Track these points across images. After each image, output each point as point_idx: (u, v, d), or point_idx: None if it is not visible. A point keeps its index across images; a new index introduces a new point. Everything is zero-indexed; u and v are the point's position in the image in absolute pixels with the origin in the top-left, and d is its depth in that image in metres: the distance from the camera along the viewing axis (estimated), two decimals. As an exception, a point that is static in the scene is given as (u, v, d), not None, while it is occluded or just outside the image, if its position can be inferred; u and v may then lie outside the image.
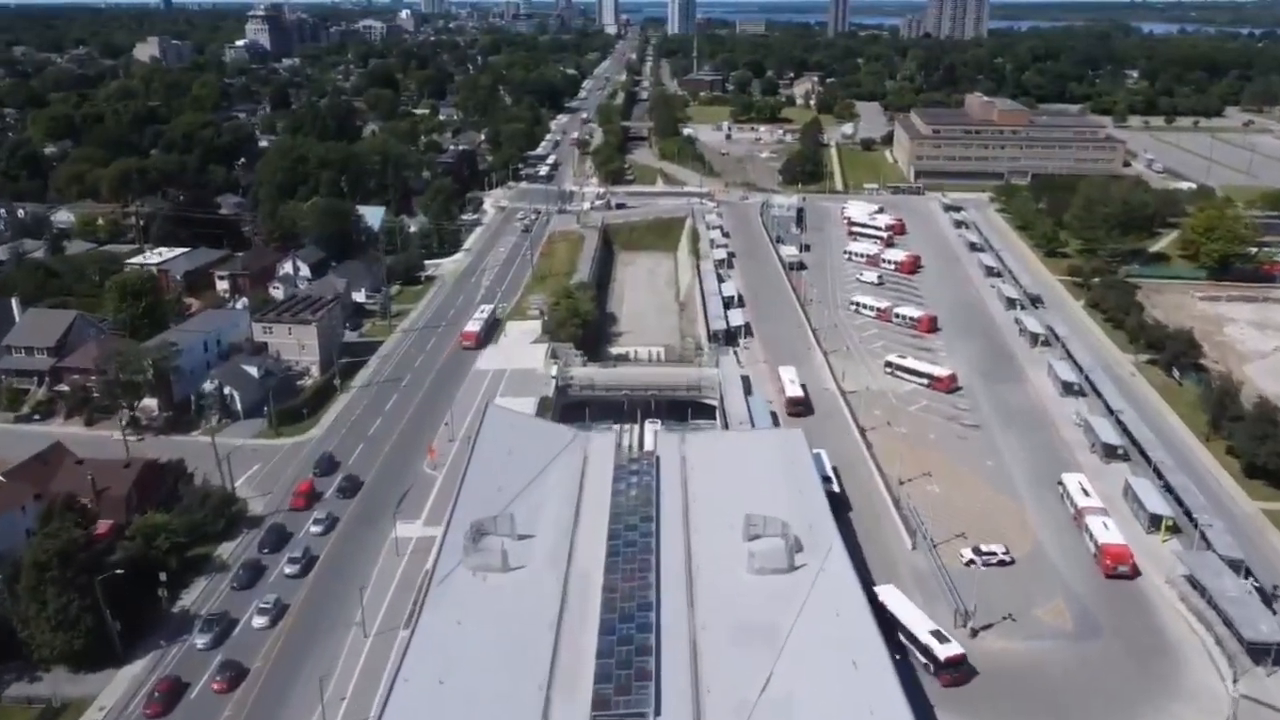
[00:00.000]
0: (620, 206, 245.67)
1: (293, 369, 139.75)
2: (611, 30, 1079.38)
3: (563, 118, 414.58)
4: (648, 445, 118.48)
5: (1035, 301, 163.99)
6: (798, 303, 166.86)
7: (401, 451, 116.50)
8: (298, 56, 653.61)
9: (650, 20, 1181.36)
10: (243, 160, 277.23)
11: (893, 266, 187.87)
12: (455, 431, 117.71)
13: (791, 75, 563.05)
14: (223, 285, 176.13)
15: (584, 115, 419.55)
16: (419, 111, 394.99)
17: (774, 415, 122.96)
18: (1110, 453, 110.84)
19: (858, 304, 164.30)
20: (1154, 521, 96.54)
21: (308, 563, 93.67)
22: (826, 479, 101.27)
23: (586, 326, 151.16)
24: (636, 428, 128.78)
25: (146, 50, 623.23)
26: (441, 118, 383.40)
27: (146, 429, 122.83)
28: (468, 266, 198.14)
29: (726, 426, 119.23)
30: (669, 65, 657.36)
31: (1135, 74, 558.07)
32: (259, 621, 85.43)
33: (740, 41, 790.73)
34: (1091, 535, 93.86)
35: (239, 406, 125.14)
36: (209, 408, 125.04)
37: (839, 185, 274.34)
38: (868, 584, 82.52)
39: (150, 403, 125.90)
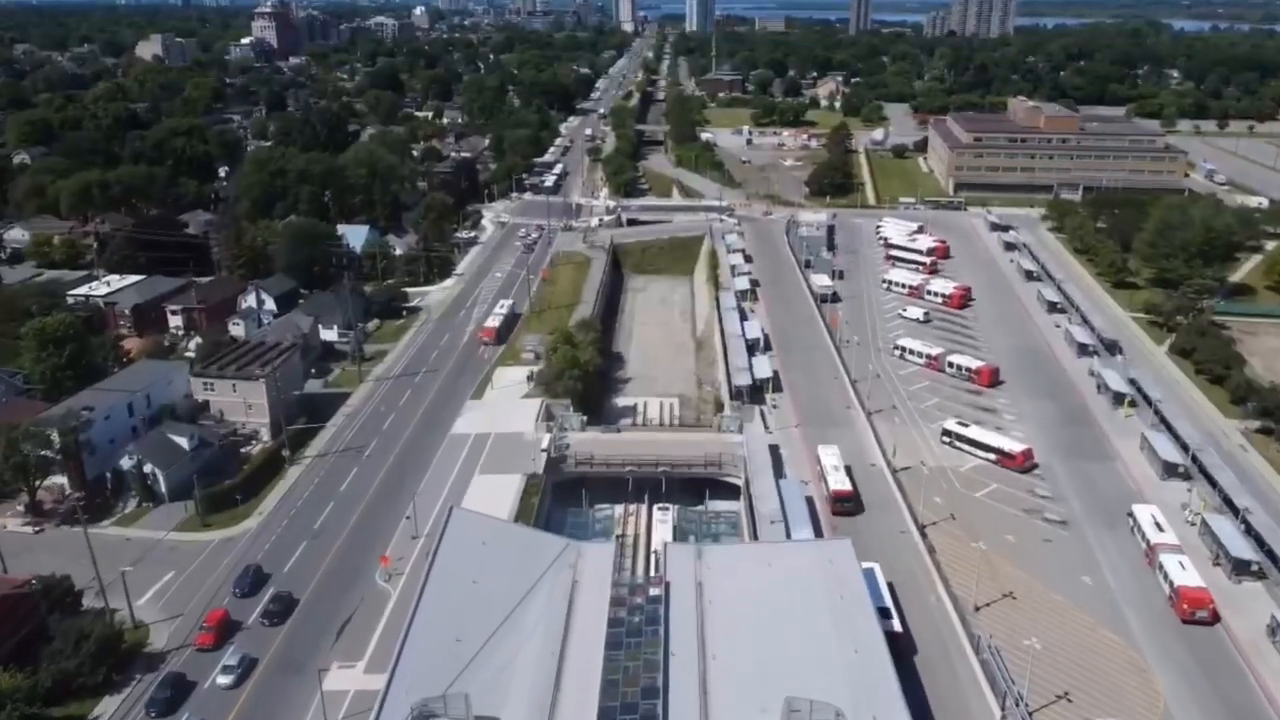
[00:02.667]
0: (632, 223, 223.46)
1: (238, 433, 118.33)
2: (629, 28, 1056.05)
3: (574, 120, 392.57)
4: (656, 538, 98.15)
5: (1112, 348, 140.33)
6: (833, 346, 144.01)
7: (352, 553, 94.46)
8: (305, 55, 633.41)
9: (668, 17, 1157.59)
10: (227, 170, 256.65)
11: (940, 300, 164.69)
12: (419, 525, 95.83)
13: (814, 75, 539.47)
14: (175, 321, 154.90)
15: (600, 111, 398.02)
16: (421, 114, 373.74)
17: (810, 503, 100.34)
18: (1241, 569, 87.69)
19: (903, 349, 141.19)
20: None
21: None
22: (884, 611, 78.69)
23: (588, 377, 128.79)
24: (644, 513, 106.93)
25: (149, 48, 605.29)
26: (445, 121, 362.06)
27: (50, 515, 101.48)
28: (458, 296, 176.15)
29: (753, 517, 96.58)
30: (687, 64, 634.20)
31: (1176, 74, 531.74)
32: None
33: (760, 39, 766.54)
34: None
35: (163, 487, 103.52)
36: (127, 489, 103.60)
37: (871, 198, 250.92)
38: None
39: (60, 481, 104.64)
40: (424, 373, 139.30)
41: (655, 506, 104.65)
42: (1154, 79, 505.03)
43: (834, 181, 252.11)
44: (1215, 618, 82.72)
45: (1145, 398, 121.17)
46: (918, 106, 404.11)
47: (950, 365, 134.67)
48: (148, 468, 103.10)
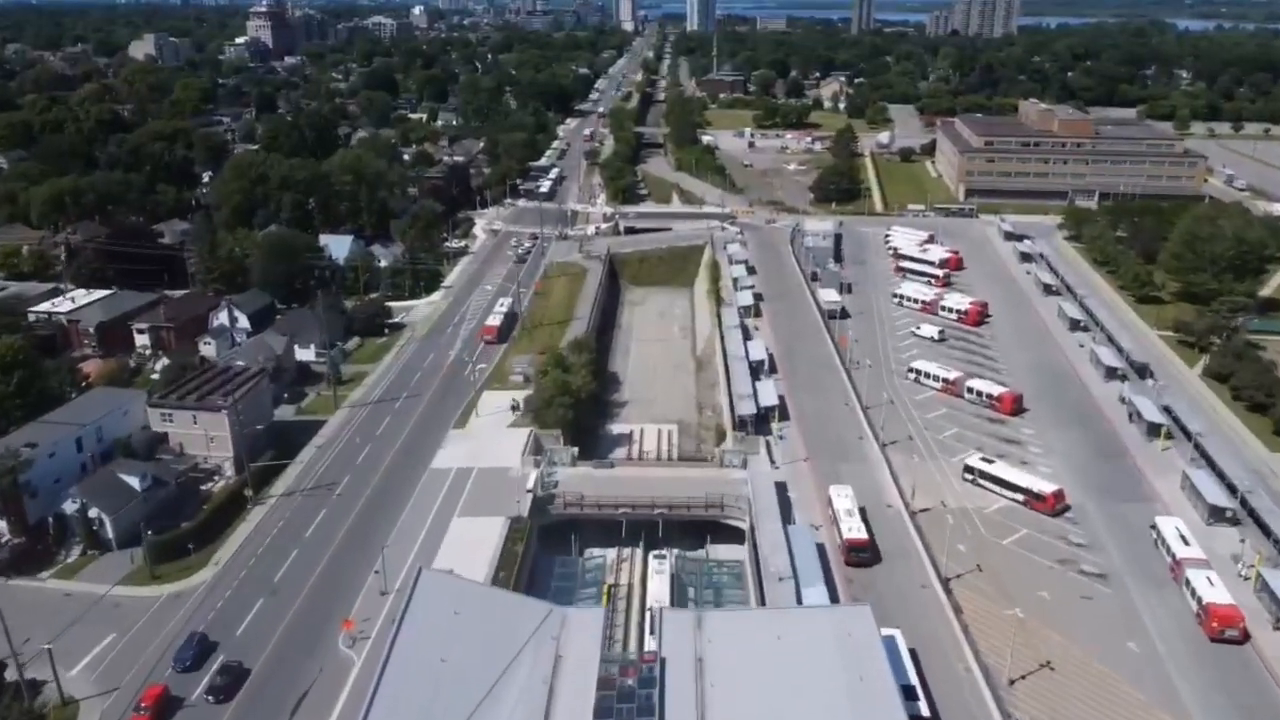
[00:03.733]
0: (630, 231, 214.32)
1: (199, 468, 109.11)
2: (629, 27, 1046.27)
3: (572, 122, 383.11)
4: (652, 589, 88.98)
5: (1142, 371, 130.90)
6: (843, 369, 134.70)
7: (313, 613, 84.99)
8: (302, 55, 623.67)
9: (669, 17, 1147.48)
10: (210, 175, 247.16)
11: (954, 316, 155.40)
12: (389, 580, 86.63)
13: (817, 75, 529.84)
14: (143, 340, 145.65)
15: (600, 111, 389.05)
16: (415, 116, 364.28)
17: (821, 552, 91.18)
18: (1304, 632, 78.81)
19: (918, 371, 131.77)
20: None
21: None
22: (908, 690, 69.43)
23: (580, 404, 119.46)
24: (639, 558, 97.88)
25: (142, 48, 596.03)
26: (440, 123, 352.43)
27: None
28: (445, 311, 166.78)
29: (759, 570, 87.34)
30: (687, 64, 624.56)
31: (1186, 75, 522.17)
32: None
33: (762, 39, 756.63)
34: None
35: (110, 533, 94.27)
36: (71, 535, 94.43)
37: (878, 205, 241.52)
38: None
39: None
40: (405, 398, 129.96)
41: (651, 555, 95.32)
42: (1163, 80, 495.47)
43: (840, 187, 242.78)
44: (1246, 636, 79.63)
45: (1183, 429, 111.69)
46: (923, 108, 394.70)
47: (969, 391, 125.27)
48: (93, 512, 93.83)
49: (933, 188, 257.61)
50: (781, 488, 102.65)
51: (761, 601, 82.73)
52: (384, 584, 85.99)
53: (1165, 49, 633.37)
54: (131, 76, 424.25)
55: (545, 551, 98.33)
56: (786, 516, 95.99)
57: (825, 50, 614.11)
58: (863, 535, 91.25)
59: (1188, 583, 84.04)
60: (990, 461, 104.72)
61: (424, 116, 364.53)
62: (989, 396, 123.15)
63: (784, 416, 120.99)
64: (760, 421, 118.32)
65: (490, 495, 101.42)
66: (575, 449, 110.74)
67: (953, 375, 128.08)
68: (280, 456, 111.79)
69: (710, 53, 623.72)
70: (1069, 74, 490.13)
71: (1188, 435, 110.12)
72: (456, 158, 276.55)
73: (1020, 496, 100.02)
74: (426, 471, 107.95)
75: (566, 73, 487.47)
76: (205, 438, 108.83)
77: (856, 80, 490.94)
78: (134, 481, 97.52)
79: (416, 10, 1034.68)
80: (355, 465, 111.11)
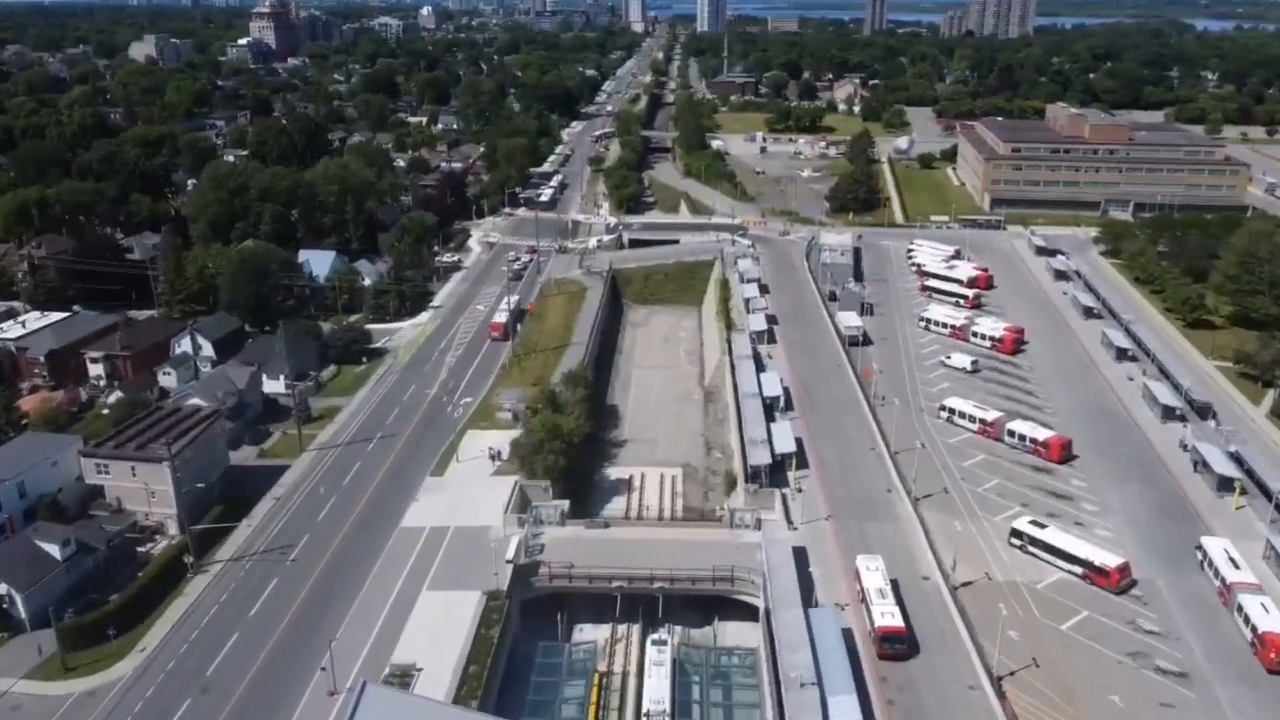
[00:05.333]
0: (635, 244, 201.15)
1: (138, 527, 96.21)
2: (638, 28, 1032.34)
3: (577, 125, 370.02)
4: (650, 682, 75.83)
5: (1204, 412, 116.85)
6: (867, 407, 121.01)
7: (248, 718, 71.95)
8: (305, 56, 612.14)
9: (679, 17, 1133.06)
10: (194, 184, 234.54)
11: (988, 343, 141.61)
12: (338, 678, 73.40)
13: (830, 77, 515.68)
14: (97, 370, 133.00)
15: (609, 109, 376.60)
16: (414, 120, 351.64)
17: (849, 639, 77.70)
18: None
19: (951, 410, 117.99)
20: None
21: None
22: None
23: (573, 449, 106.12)
24: (636, 636, 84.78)
25: (143, 49, 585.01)
26: (439, 127, 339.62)
27: (-123, 649, 79.52)
28: (433, 334, 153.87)
29: (775, 666, 73.80)
30: (697, 65, 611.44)
31: (1211, 76, 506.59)
32: None
33: (773, 40, 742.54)
34: None
35: (23, 612, 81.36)
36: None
37: (898, 215, 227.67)
38: None
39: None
40: (379, 438, 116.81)
41: (650, 640, 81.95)
42: (1190, 82, 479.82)
43: (857, 196, 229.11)
44: None
45: (1260, 486, 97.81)
46: (941, 111, 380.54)
47: (1010, 434, 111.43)
48: (3, 588, 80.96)
49: (955, 197, 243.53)
50: (801, 555, 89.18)
51: (779, 710, 69.24)
52: (332, 682, 72.79)
53: (1187, 49, 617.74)
54: (126, 78, 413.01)
55: (527, 631, 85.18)
56: (806, 593, 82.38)
57: (838, 51, 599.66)
58: (898, 622, 77.53)
59: (1240, 609, 79.43)
60: (1041, 525, 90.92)
61: (424, 120, 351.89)
62: (1033, 441, 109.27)
63: (802, 464, 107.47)
64: (775, 469, 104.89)
65: (466, 562, 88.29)
66: (566, 504, 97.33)
67: (991, 416, 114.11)
68: (235, 508, 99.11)
69: (721, 53, 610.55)
70: (1090, 76, 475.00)
71: (1265, 492, 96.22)
72: (454, 164, 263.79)
73: (1079, 569, 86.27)
74: (396, 531, 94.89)
75: (573, 74, 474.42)
76: (145, 492, 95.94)
77: (871, 82, 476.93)
78: (54, 549, 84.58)
79: (425, 11, 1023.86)
80: (315, 523, 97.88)
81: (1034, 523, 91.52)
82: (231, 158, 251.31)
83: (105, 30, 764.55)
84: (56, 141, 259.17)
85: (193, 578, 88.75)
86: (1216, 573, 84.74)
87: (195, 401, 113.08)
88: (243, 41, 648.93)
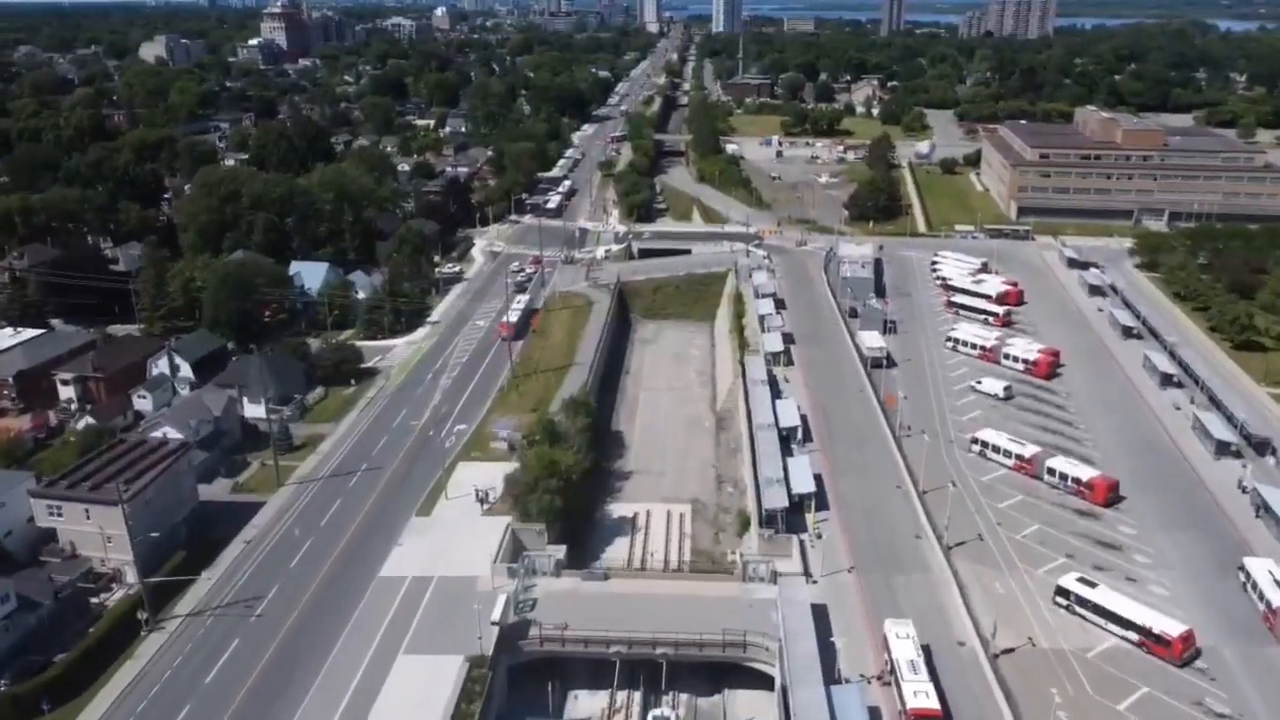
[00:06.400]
0: (644, 254, 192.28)
1: (93, 574, 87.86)
2: (653, 28, 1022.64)
3: (589, 128, 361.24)
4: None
5: (1262, 448, 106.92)
6: (892, 439, 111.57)
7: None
8: (316, 57, 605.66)
9: (694, 18, 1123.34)
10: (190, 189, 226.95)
11: (1021, 366, 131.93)
12: (299, 765, 64.81)
13: (848, 79, 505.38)
14: (67, 392, 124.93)
15: (623, 109, 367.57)
16: (422, 123, 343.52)
17: (874, 715, 68.55)
18: None
19: (984, 445, 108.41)
20: None
21: None
22: None
23: (571, 486, 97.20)
24: (636, 706, 75.73)
25: (153, 50, 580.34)
26: (447, 130, 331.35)
27: None
28: (429, 353, 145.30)
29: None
30: (712, 66, 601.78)
31: (1240, 77, 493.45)
32: None
33: (790, 41, 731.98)
34: None
35: (-47, 678, 73.20)
36: (-98, 680, 73.40)
37: (921, 224, 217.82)
38: None
39: None
40: (363, 470, 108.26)
41: (652, 714, 73.03)
42: (1218, 84, 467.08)
43: (878, 204, 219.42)
44: None
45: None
46: (963, 114, 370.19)
47: (1050, 472, 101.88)
48: (-70, 651, 72.88)
49: (980, 204, 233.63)
50: (821, 614, 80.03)
51: (798, 814, 60.29)
52: (291, 770, 64.26)
53: (1213, 50, 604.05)
54: (131, 79, 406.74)
55: (515, 702, 76.29)
56: (828, 663, 73.32)
57: (856, 52, 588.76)
58: (932, 704, 68.07)
59: None
60: (1091, 584, 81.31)
61: (431, 123, 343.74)
62: (1075, 481, 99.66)
63: (821, 504, 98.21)
64: (793, 510, 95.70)
65: (449, 618, 79.81)
66: (562, 550, 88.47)
67: (1029, 452, 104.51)
68: (201, 553, 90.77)
69: (736, 55, 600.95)
70: (1115, 77, 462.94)
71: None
72: (460, 168, 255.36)
73: (1134, 636, 76.75)
74: (374, 581, 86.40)
75: (585, 76, 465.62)
76: (101, 536, 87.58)
77: (890, 84, 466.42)
78: (-10, 606, 76.38)
79: (439, 12, 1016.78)
80: (287, 570, 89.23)
81: (1082, 580, 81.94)
82: (232, 161, 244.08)
83: (118, 31, 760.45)
84: (53, 145, 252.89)
85: (147, 636, 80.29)
86: (1261, 595, 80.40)
87: (166, 430, 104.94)
88: (253, 42, 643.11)
